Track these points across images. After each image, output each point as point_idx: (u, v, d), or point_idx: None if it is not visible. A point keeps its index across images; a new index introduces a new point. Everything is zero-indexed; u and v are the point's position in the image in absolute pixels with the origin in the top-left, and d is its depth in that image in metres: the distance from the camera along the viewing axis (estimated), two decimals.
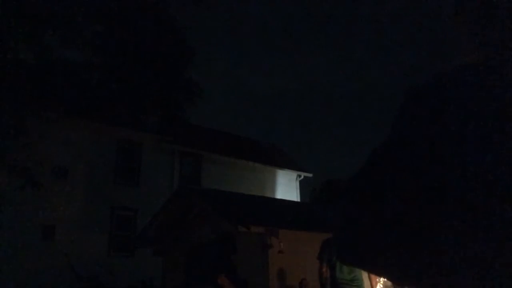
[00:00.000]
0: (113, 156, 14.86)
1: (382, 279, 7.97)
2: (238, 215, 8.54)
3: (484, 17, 0.74)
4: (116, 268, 13.26)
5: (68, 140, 13.41)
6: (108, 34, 10.90)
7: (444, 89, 0.67)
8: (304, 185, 20.54)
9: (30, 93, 9.35)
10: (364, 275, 5.15)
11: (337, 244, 0.77)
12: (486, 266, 0.55)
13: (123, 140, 15.02)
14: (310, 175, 20.78)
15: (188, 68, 16.23)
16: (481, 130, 0.59)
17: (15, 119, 9.54)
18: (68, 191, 13.19)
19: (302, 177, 20.38)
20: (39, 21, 8.68)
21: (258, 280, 8.03)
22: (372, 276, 5.02)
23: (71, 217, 13.21)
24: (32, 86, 9.40)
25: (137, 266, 13.31)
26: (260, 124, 63.77)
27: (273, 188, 19.00)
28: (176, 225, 10.01)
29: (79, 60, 10.67)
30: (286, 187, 19.53)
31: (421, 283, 0.63)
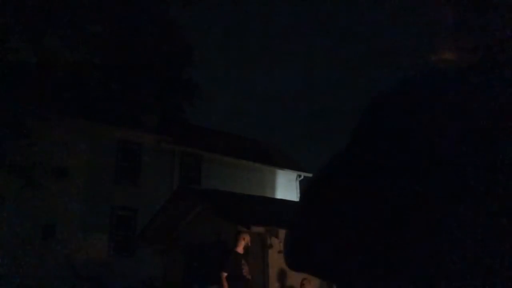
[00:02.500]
0: (113, 156, 14.85)
1: None
2: (238, 215, 8.54)
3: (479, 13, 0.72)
4: (116, 268, 13.27)
5: (68, 140, 13.40)
6: (108, 34, 10.90)
7: (413, 98, 0.61)
8: (304, 185, 20.53)
9: (30, 93, 9.35)
10: None
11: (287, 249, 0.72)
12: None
13: (123, 140, 15.02)
14: (310, 175, 20.77)
15: (187, 68, 16.24)
16: (460, 148, 0.56)
17: (15, 119, 9.55)
18: (68, 191, 13.19)
19: (302, 177, 20.38)
20: (39, 21, 8.69)
21: (258, 280, 8.03)
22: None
23: (71, 217, 13.20)
24: (32, 86, 9.41)
25: (137, 266, 13.31)
26: (260, 124, 63.74)
27: (273, 188, 19.00)
28: (176, 225, 10.01)
29: (79, 60, 10.67)
30: (286, 187, 19.53)
31: None
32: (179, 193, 10.07)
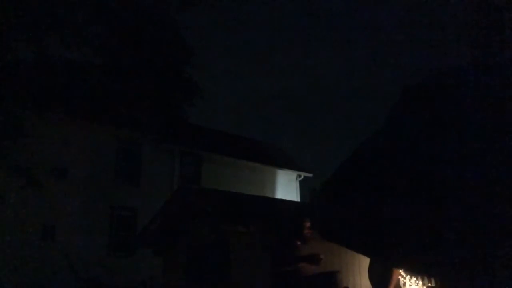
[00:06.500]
0: (113, 156, 14.85)
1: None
2: (238, 215, 8.53)
3: (484, 18, 0.73)
4: (116, 268, 13.26)
5: (68, 140, 13.39)
6: (108, 34, 10.88)
7: (443, 89, 0.67)
8: (304, 185, 20.54)
9: (30, 93, 9.35)
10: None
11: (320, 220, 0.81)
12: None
13: (123, 140, 15.00)
14: (310, 175, 20.77)
15: (187, 67, 16.20)
16: (481, 130, 0.60)
17: (15, 119, 9.54)
18: (68, 191, 13.19)
19: (302, 177, 20.36)
20: (39, 21, 8.68)
21: (258, 280, 8.02)
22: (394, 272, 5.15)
23: (71, 217, 13.20)
24: (32, 86, 9.40)
25: (137, 266, 13.30)
26: (260, 124, 63.72)
27: (273, 188, 18.99)
28: (176, 225, 10.00)
29: (79, 60, 10.65)
30: (286, 187, 19.51)
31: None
32: (179, 193, 10.07)
